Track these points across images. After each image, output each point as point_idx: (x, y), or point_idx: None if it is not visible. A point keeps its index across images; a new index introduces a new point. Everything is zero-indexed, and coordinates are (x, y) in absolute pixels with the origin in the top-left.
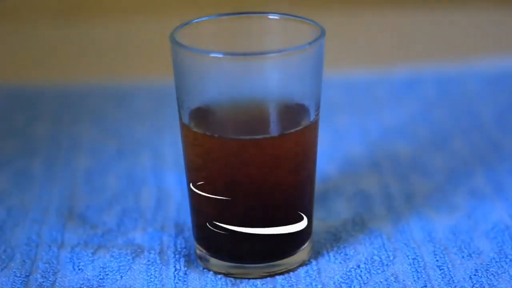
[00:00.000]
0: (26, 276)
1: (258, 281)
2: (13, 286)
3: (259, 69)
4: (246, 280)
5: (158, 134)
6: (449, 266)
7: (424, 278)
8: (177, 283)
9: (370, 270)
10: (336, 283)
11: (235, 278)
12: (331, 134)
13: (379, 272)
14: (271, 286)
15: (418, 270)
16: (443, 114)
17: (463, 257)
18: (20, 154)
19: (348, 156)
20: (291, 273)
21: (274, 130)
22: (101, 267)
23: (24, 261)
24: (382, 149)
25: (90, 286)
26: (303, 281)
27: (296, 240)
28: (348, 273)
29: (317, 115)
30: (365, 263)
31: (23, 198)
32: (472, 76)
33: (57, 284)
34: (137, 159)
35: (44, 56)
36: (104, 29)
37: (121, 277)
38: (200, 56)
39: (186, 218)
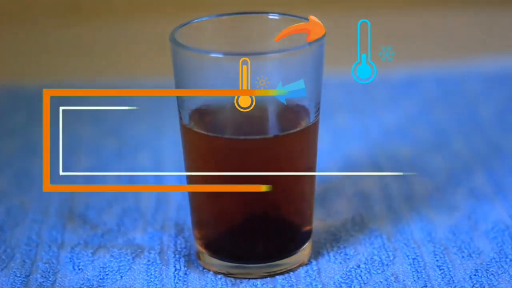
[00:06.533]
0: (26, 276)
1: (258, 281)
2: (13, 286)
3: (259, 69)
4: (246, 280)
5: (158, 134)
6: (449, 266)
7: (424, 278)
8: (177, 283)
9: (370, 270)
10: (336, 283)
11: (235, 278)
12: (331, 134)
13: (379, 272)
14: (271, 286)
15: (418, 270)
16: (443, 114)
17: (463, 257)
18: (20, 154)
19: (348, 156)
20: (291, 273)
21: (274, 130)
22: (101, 267)
23: (24, 261)
24: (382, 149)
25: (90, 286)
26: (303, 281)
27: (296, 240)
28: (348, 273)
29: (317, 115)
30: (365, 263)
31: (23, 198)
32: (472, 76)
33: (57, 284)
34: (137, 159)
35: (44, 56)
36: (104, 29)
37: (121, 277)
38: (200, 56)
39: (186, 218)
